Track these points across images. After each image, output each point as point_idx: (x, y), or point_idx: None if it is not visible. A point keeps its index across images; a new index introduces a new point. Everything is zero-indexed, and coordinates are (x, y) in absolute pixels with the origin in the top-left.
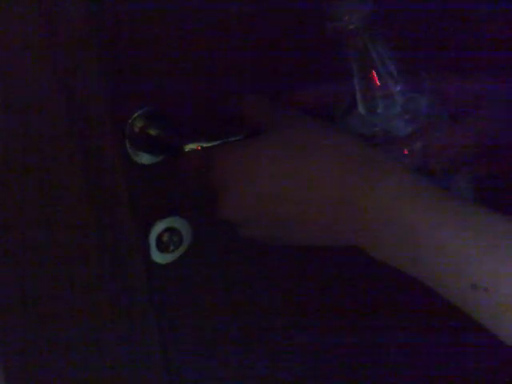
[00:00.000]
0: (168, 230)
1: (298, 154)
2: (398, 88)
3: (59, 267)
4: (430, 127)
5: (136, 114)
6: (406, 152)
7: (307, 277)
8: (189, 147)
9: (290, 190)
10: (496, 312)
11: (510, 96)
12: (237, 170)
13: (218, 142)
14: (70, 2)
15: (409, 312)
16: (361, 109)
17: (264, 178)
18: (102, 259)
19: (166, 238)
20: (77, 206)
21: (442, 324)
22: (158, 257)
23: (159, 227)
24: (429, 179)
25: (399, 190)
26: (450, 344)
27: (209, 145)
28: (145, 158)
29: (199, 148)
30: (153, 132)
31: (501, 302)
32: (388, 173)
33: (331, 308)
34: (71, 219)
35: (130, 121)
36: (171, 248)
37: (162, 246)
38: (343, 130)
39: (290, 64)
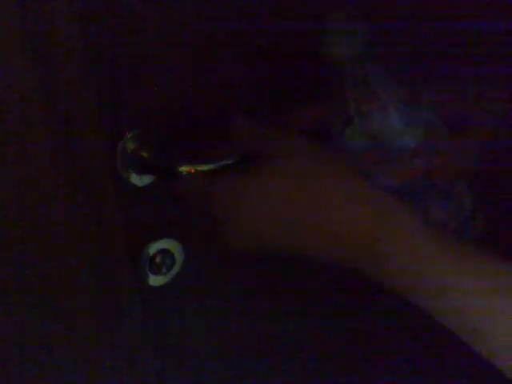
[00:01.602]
0: (161, 251)
1: (299, 185)
2: (396, 106)
3: (51, 292)
4: (431, 142)
5: (128, 136)
6: (406, 167)
7: (304, 300)
8: (181, 169)
9: (292, 218)
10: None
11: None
12: (238, 198)
13: (212, 165)
14: (63, 32)
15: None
16: (358, 127)
17: (264, 206)
18: (94, 282)
19: (158, 259)
20: (69, 227)
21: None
22: (151, 279)
23: (152, 249)
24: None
25: (409, 230)
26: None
27: (201, 167)
28: (137, 180)
29: (192, 170)
30: (145, 154)
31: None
32: (396, 211)
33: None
34: (62, 242)
35: (122, 142)
36: (164, 270)
37: (155, 268)
38: (341, 150)
39: (286, 82)
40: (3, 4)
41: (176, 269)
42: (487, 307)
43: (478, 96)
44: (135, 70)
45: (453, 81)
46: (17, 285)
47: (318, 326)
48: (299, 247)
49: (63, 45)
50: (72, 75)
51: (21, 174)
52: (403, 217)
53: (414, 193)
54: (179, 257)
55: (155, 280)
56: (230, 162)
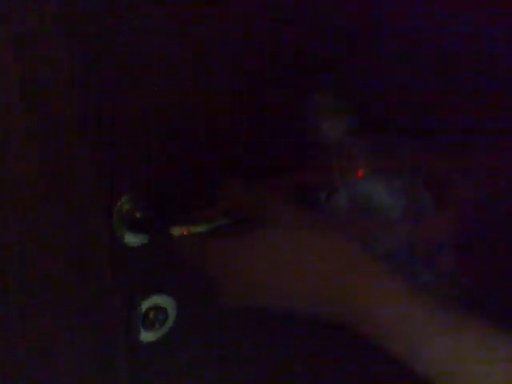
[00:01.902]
0: (154, 307)
1: (287, 248)
2: (380, 176)
3: (43, 346)
4: (416, 209)
5: (124, 198)
6: (390, 234)
7: (297, 355)
8: (173, 230)
9: (281, 279)
10: None
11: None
12: (229, 260)
13: (203, 227)
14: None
15: None
16: (344, 196)
17: (254, 268)
18: (87, 337)
19: (151, 315)
20: (65, 283)
21: None
22: (144, 335)
23: (145, 305)
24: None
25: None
26: None
27: (193, 229)
28: (132, 239)
29: (184, 232)
30: (139, 215)
31: None
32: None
33: None
34: (58, 296)
35: (118, 204)
36: (156, 326)
37: (148, 324)
38: (328, 217)
39: (276, 149)
40: None
41: (168, 324)
42: (469, 371)
43: (459, 166)
44: (132, 134)
45: (435, 152)
46: None
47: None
48: (288, 307)
49: (62, 117)
50: (71, 141)
51: (21, 240)
52: (390, 282)
53: (401, 258)
54: (172, 312)
55: (147, 336)
56: (221, 224)
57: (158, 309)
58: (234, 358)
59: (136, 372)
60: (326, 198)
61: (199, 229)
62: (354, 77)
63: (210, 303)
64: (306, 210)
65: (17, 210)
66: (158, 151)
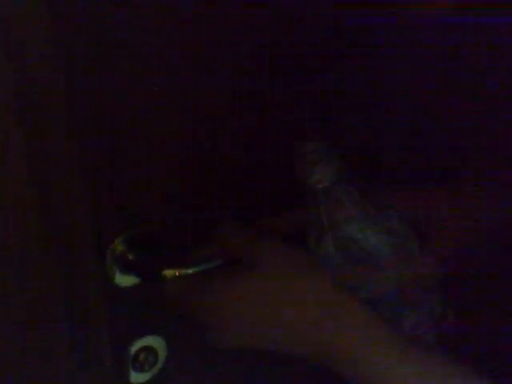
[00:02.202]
0: (144, 348)
1: (277, 290)
2: (366, 219)
3: None
4: (402, 251)
5: (117, 240)
6: (379, 278)
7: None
8: (165, 273)
9: (271, 321)
10: None
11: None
12: (220, 302)
13: (194, 269)
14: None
15: None
16: (331, 240)
17: (244, 310)
18: (77, 379)
19: (142, 357)
20: (55, 322)
21: None
22: (134, 376)
23: (136, 346)
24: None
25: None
26: None
27: (185, 271)
28: (124, 280)
29: (177, 273)
30: (131, 256)
31: None
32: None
33: None
34: (49, 338)
35: (112, 245)
36: (146, 367)
37: (138, 366)
38: (317, 259)
39: (265, 193)
40: None
41: (159, 365)
42: None
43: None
44: (127, 176)
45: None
46: None
47: None
48: (276, 347)
49: (58, 156)
50: (67, 186)
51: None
52: (373, 328)
53: (389, 303)
54: (162, 353)
55: (137, 377)
56: (212, 266)
57: (148, 350)
58: None
59: None
60: (314, 242)
61: (192, 270)
62: (342, 123)
63: (200, 344)
64: (294, 253)
65: (9, 251)
66: (152, 194)
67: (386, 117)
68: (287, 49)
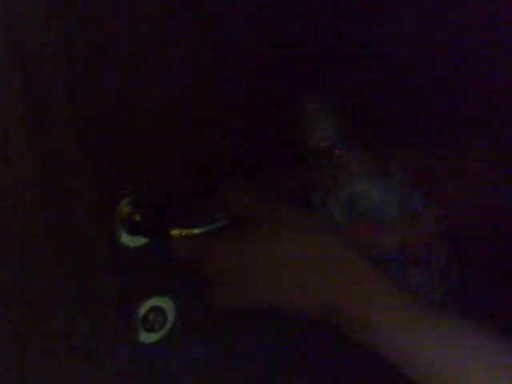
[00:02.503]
0: (153, 309)
1: (285, 249)
2: (369, 178)
3: (51, 347)
4: (407, 209)
5: (124, 201)
6: (383, 235)
7: (296, 355)
8: (172, 232)
9: (278, 280)
10: None
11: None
12: (227, 261)
13: (201, 229)
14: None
15: None
16: (336, 200)
17: (252, 269)
18: (87, 339)
19: (151, 317)
20: (64, 285)
21: None
22: (143, 336)
23: (145, 307)
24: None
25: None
26: None
27: (191, 231)
28: (131, 241)
29: (182, 233)
30: (138, 217)
31: None
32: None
33: None
34: (57, 297)
35: (118, 207)
36: (156, 327)
37: (148, 325)
38: (323, 218)
39: (270, 154)
40: None
41: (168, 325)
42: (457, 370)
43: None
44: (132, 136)
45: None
46: None
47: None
48: (285, 306)
49: (60, 121)
50: (71, 144)
51: (20, 241)
52: (379, 283)
53: (393, 260)
54: (171, 313)
55: (147, 337)
56: (219, 226)
57: (157, 310)
58: (234, 358)
59: (138, 373)
60: (320, 202)
61: (198, 230)
62: (344, 79)
63: (208, 304)
64: (300, 211)
65: (16, 211)
66: (158, 154)
67: (387, 73)
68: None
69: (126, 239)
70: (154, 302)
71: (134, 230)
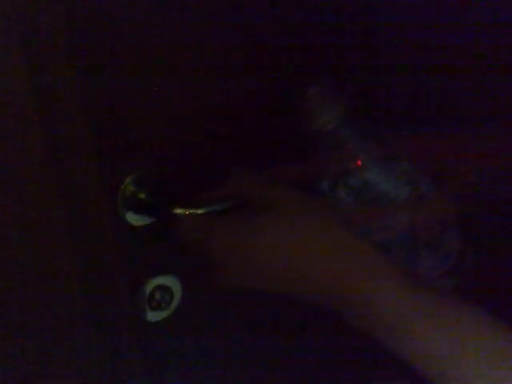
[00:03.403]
0: (159, 287)
1: (290, 233)
2: (376, 162)
3: (53, 330)
4: (415, 193)
5: (128, 180)
6: (393, 220)
7: (301, 333)
8: (176, 211)
9: (282, 263)
10: None
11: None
12: (231, 242)
13: (204, 209)
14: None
15: None
16: (343, 185)
17: (255, 251)
18: (94, 318)
19: (157, 295)
20: (69, 264)
21: None
22: (150, 314)
23: (151, 285)
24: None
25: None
26: None
27: (195, 211)
28: (136, 220)
29: (186, 213)
30: (142, 195)
31: None
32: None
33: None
34: (63, 280)
35: (122, 185)
36: (162, 305)
37: (154, 304)
38: (329, 204)
39: (277, 138)
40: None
41: (174, 304)
42: (455, 353)
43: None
44: (137, 117)
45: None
46: None
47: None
48: (287, 290)
49: (64, 100)
50: (75, 123)
51: (25, 221)
52: (384, 268)
53: (403, 244)
54: (177, 292)
55: (154, 315)
56: (223, 208)
57: (163, 289)
58: (241, 337)
59: (145, 352)
60: (328, 188)
61: (202, 210)
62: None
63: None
64: (307, 197)
65: (20, 190)
66: (163, 133)
67: (391, 57)
68: None
69: (131, 218)
70: (160, 280)
71: (138, 209)
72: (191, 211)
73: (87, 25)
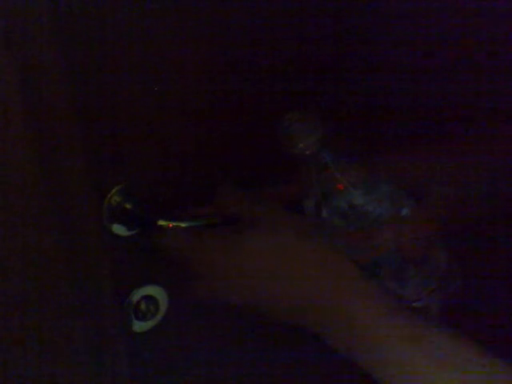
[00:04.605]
0: (145, 298)
1: (276, 252)
2: (357, 185)
3: (47, 340)
4: (398, 212)
5: (114, 190)
6: (379, 240)
7: (290, 344)
8: (159, 223)
9: (268, 285)
10: None
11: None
12: (215, 257)
13: (191, 222)
14: (53, 84)
15: None
16: (327, 208)
17: (246, 270)
18: (81, 329)
19: (143, 306)
20: (56, 274)
21: None
22: (136, 325)
23: (136, 296)
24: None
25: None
26: None
27: (177, 224)
28: (122, 230)
29: (170, 225)
30: (129, 206)
31: None
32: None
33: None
34: (49, 288)
35: (108, 195)
36: (148, 316)
37: (140, 315)
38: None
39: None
40: None
41: (160, 314)
42: (427, 376)
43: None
44: (126, 128)
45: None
46: None
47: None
48: (268, 307)
49: (52, 107)
50: (65, 133)
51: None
52: (366, 290)
53: (389, 264)
54: (163, 303)
55: (140, 326)
56: (207, 223)
57: (148, 299)
58: (228, 347)
59: (133, 361)
60: (313, 208)
61: (185, 224)
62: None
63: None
64: (293, 216)
65: (7, 199)
66: (152, 146)
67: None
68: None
69: (117, 228)
70: (146, 290)
71: (123, 219)
72: (175, 224)
73: (78, 26)
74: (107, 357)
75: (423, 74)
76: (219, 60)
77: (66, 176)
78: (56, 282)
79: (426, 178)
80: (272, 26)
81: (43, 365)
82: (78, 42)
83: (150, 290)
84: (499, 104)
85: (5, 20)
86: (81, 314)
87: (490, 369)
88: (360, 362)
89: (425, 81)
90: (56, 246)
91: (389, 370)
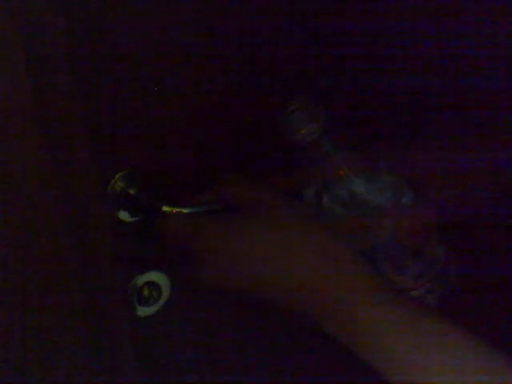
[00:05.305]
0: (148, 283)
1: (274, 236)
2: (357, 174)
3: (48, 325)
4: (398, 201)
5: (118, 175)
6: (378, 228)
7: (291, 333)
8: (163, 209)
9: (270, 271)
10: None
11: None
12: (215, 242)
13: (191, 209)
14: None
15: None
16: (328, 196)
17: (248, 256)
18: (85, 312)
19: (146, 291)
20: (60, 260)
21: None
22: (139, 310)
23: (139, 281)
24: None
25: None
26: None
27: (181, 210)
28: (125, 216)
29: (173, 211)
30: (132, 192)
31: None
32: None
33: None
34: (54, 276)
35: (112, 181)
36: (151, 301)
37: (143, 300)
38: (318, 214)
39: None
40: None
41: (163, 299)
42: (425, 363)
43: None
44: (130, 115)
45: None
46: None
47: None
48: (269, 293)
49: (64, 106)
50: (69, 120)
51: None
52: (366, 278)
53: (389, 252)
54: (166, 288)
55: (143, 311)
56: (209, 209)
57: (151, 285)
58: (230, 332)
59: (138, 346)
60: (313, 196)
61: (188, 210)
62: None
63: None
64: (294, 204)
65: (17, 190)
66: (155, 133)
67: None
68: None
69: (120, 213)
70: (149, 276)
71: (127, 205)
72: (178, 210)
73: (86, 28)
74: (113, 341)
75: (424, 65)
76: (219, 48)
77: (70, 163)
78: (62, 267)
79: (426, 168)
80: (271, 16)
81: (46, 349)
82: (82, 42)
83: (153, 275)
84: (499, 101)
85: None
86: (84, 297)
87: (489, 359)
88: (360, 350)
89: (424, 72)
90: (61, 231)
91: (388, 357)
